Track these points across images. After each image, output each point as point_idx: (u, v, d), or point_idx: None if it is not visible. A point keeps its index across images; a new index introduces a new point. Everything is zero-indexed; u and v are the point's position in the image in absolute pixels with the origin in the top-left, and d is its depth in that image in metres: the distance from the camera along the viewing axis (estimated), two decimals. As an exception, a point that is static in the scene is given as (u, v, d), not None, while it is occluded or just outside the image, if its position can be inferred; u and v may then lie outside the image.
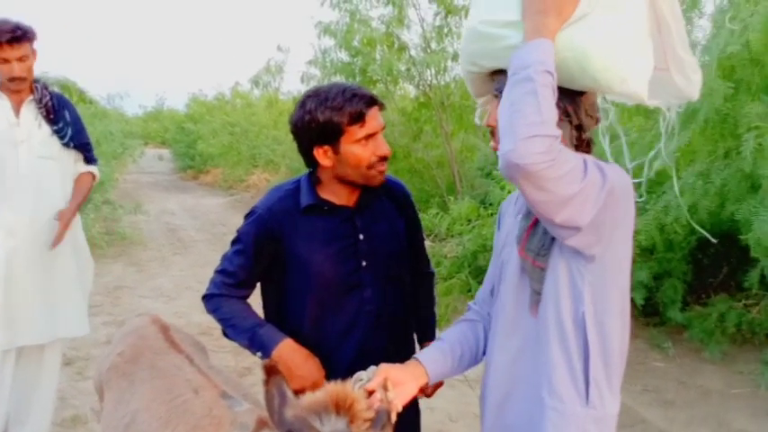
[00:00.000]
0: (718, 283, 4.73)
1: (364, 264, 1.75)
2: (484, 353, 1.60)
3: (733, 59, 3.53)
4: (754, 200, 3.48)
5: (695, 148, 3.88)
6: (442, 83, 7.92)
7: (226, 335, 1.81)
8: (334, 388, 1.20)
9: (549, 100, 1.18)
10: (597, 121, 1.40)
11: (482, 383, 1.56)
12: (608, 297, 1.32)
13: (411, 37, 7.85)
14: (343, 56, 7.94)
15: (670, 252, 4.49)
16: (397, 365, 1.43)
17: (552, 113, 1.17)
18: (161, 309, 5.72)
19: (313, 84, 8.61)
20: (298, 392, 1.36)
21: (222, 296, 1.81)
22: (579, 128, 1.36)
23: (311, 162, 1.73)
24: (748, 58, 3.49)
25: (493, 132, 1.43)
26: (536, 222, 1.35)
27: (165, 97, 37.55)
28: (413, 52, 7.84)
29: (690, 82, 1.43)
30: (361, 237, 1.74)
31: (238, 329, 1.75)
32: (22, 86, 2.85)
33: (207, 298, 1.85)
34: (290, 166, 12.02)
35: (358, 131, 1.62)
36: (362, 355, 1.68)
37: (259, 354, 1.69)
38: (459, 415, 3.62)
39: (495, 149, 1.42)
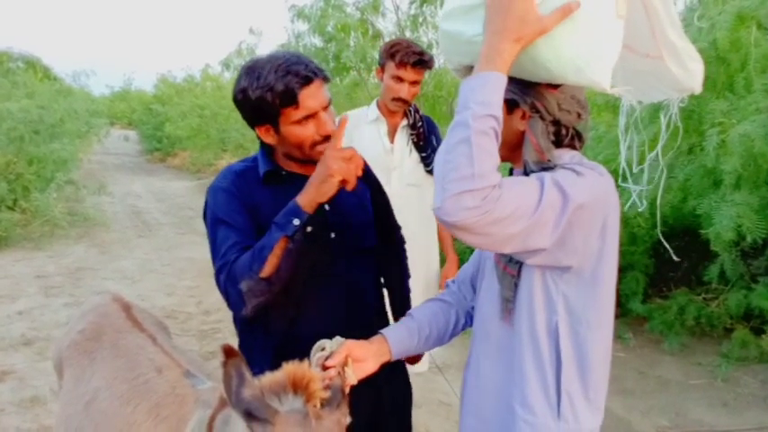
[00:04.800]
0: (679, 276, 4.83)
1: (333, 236, 1.66)
2: (451, 336, 1.58)
3: (700, 56, 3.59)
4: (716, 195, 3.54)
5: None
6: (416, 72, 7.92)
7: (262, 277, 1.46)
8: (291, 368, 1.20)
9: (487, 148, 1.10)
10: (579, 116, 1.30)
11: (463, 380, 1.53)
12: (585, 308, 1.26)
13: (386, 25, 7.85)
14: (317, 41, 7.89)
15: (633, 245, 4.58)
16: (362, 342, 1.42)
17: (489, 163, 1.09)
18: (124, 291, 5.64)
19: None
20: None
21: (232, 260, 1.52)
22: (556, 123, 1.29)
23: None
24: (715, 55, 3.55)
25: None
26: None
27: (132, 77, 36.76)
28: (387, 40, 7.81)
29: (688, 72, 1.31)
30: (327, 207, 1.62)
31: (262, 245, 1.48)
32: (400, 108, 2.76)
33: (218, 273, 1.53)
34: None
35: (293, 113, 1.50)
36: (335, 332, 1.54)
37: (297, 221, 1.46)
38: (423, 401, 3.65)
39: None
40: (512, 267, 1.31)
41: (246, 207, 1.59)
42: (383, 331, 1.49)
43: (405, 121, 2.80)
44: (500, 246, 1.15)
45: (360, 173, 1.50)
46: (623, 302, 4.67)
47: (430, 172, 2.81)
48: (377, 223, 1.80)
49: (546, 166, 1.25)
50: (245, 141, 13.22)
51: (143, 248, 7.75)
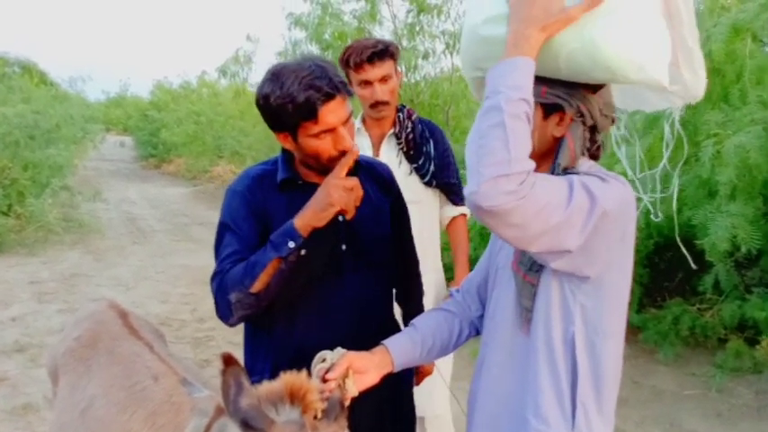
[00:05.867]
0: (674, 286, 4.84)
1: (344, 248, 1.64)
2: (455, 346, 1.56)
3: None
4: (711, 206, 3.55)
5: (655, 154, 3.96)
6: (413, 81, 7.94)
7: (252, 292, 1.48)
8: (289, 378, 1.20)
9: (521, 132, 1.09)
10: (613, 121, 1.31)
11: (471, 390, 1.49)
12: (601, 318, 1.26)
13: (383, 33, 7.85)
14: (314, 49, 7.89)
15: (628, 255, 4.59)
16: (363, 354, 1.40)
17: (524, 147, 1.09)
18: (119, 298, 5.61)
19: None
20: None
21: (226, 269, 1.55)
22: (593, 129, 1.28)
23: None
24: (710, 67, 3.57)
25: None
26: None
27: (128, 83, 36.71)
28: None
29: (697, 77, 1.32)
30: (341, 218, 1.58)
31: (255, 261, 1.49)
32: (385, 113, 2.48)
33: (212, 280, 1.58)
34: (255, 158, 11.89)
35: (312, 127, 1.49)
36: (339, 345, 1.48)
37: (292, 243, 1.46)
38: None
39: None
40: (532, 276, 1.29)
41: (256, 213, 1.59)
42: (386, 342, 1.47)
43: (392, 131, 2.54)
44: (531, 240, 1.12)
45: (359, 203, 1.51)
46: (618, 312, 4.67)
47: (427, 184, 2.55)
48: (394, 236, 1.79)
49: (571, 171, 1.25)
50: (240, 148, 13.22)
51: (137, 255, 7.72)
